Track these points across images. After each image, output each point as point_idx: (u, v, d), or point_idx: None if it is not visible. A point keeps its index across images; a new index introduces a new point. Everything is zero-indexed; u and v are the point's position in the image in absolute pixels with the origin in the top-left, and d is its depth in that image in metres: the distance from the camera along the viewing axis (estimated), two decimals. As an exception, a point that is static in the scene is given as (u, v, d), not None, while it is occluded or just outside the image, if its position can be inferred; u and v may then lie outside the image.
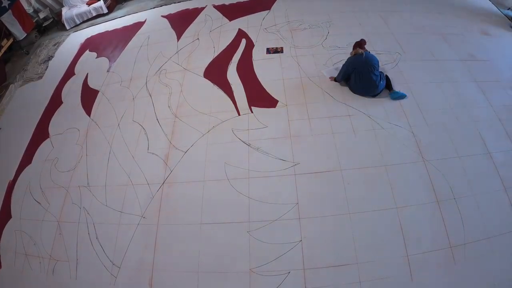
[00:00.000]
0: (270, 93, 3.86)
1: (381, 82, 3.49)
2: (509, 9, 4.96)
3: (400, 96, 3.52)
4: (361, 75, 3.43)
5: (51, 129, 4.19)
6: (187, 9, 5.93)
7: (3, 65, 5.80)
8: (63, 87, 4.84)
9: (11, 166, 3.85)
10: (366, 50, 3.49)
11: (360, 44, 3.50)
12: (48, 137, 4.09)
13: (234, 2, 5.80)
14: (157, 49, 4.99)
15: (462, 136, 3.20)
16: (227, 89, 4.03)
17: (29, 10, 6.33)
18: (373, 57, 3.45)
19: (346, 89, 3.75)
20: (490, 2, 5.17)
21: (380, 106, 3.53)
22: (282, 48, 4.39)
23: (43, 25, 6.63)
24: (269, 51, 4.33)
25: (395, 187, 2.88)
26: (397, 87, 3.71)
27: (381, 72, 3.55)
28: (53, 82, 5.02)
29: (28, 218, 3.31)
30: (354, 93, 3.64)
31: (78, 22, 6.50)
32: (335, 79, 3.78)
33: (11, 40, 5.85)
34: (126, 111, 4.03)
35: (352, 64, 3.47)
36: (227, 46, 4.74)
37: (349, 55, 3.61)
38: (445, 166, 2.97)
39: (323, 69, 4.01)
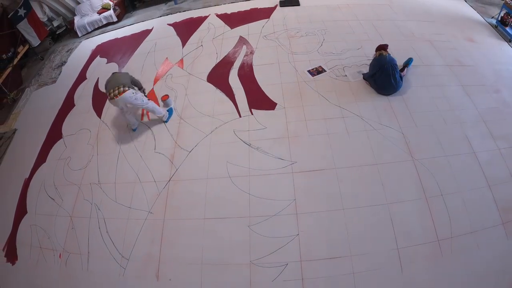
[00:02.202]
0: (269, 96, 3.86)
1: (401, 81, 3.60)
2: (492, 17, 4.97)
3: (411, 62, 3.89)
4: (385, 74, 3.50)
5: (64, 130, 4.19)
6: (191, 18, 5.92)
7: (19, 70, 5.80)
8: (75, 91, 4.84)
9: (27, 165, 3.85)
10: (389, 53, 3.61)
11: (383, 47, 3.65)
12: (61, 137, 4.08)
13: (236, 11, 5.80)
14: (163, 55, 4.99)
15: (449, 137, 3.20)
16: (229, 93, 4.02)
17: (44, 18, 6.32)
18: (393, 59, 3.59)
19: (340, 92, 3.75)
20: (475, 11, 5.17)
21: (372, 108, 3.53)
22: (321, 67, 4.12)
23: (57, 33, 6.62)
24: (312, 73, 4.04)
25: (386, 184, 2.88)
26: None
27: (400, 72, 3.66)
28: (66, 86, 5.01)
29: (43, 213, 3.30)
30: (378, 92, 3.67)
31: (89, 29, 6.49)
32: (364, 77, 3.84)
33: (26, 47, 5.84)
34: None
35: (378, 63, 3.56)
36: (229, 52, 4.74)
37: (372, 57, 3.75)
38: (433, 165, 2.97)
39: (347, 72, 4.01)
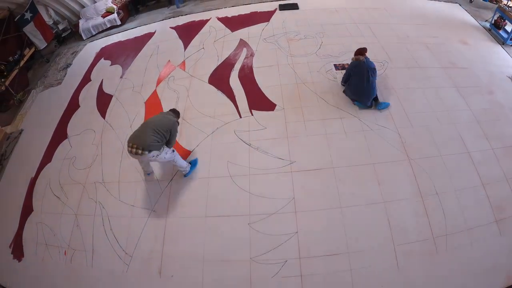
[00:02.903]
0: (269, 98, 3.86)
1: (375, 89, 3.39)
2: (486, 20, 4.97)
3: (385, 106, 3.50)
4: (360, 77, 3.32)
5: (69, 130, 4.18)
6: (193, 21, 5.92)
7: (26, 72, 5.81)
8: (80, 92, 4.84)
9: (33, 164, 3.85)
10: (367, 57, 3.39)
11: (361, 51, 3.40)
12: (67, 137, 4.08)
13: (236, 14, 5.80)
14: (165, 57, 4.99)
15: (443, 137, 3.20)
16: (230, 94, 4.03)
17: (49, 22, 6.32)
18: (371, 63, 3.37)
19: (338, 93, 3.75)
20: (469, 15, 5.18)
21: (369, 109, 3.52)
22: (347, 64, 3.89)
23: (62, 36, 6.62)
24: (337, 67, 4.08)
25: (382, 183, 2.88)
26: (384, 92, 3.72)
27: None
28: (71, 88, 5.01)
29: (48, 211, 3.31)
30: (350, 97, 3.58)
31: (94, 32, 6.50)
32: (341, 82, 3.74)
33: (33, 49, 5.85)
34: (138, 114, 4.02)
35: (354, 66, 3.39)
36: (230, 54, 4.74)
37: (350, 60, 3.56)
38: (428, 164, 2.98)
39: (338, 75, 3.99)
